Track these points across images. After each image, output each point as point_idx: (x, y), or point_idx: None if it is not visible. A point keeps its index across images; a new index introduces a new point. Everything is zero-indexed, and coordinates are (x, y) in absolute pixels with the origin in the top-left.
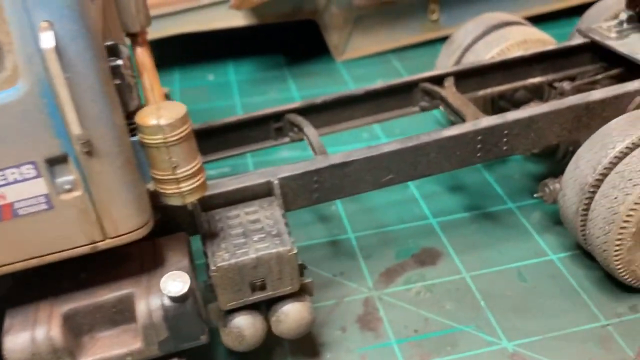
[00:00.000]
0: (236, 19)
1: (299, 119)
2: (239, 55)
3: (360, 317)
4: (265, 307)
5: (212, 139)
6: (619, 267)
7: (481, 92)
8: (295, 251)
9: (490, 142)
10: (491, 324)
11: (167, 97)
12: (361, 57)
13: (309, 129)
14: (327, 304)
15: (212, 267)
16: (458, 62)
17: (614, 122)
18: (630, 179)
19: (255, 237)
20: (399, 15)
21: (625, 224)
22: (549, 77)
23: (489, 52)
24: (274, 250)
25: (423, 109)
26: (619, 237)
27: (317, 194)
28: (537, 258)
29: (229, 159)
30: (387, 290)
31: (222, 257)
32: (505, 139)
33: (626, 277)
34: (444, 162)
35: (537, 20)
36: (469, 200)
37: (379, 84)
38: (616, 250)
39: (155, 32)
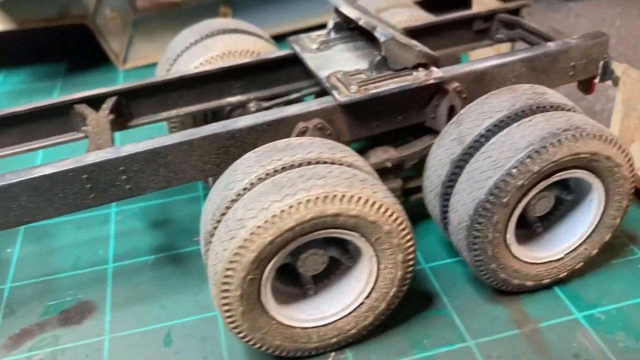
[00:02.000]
0: None
1: None
2: (17, 64)
3: None
4: None
5: None
6: (241, 335)
7: (165, 114)
8: None
9: (103, 181)
10: None
11: None
12: (148, 65)
13: None
14: None
15: None
16: None
17: (246, 156)
18: (231, 230)
19: None
20: (186, 18)
21: (226, 286)
22: (252, 95)
23: (191, 64)
24: None
25: (87, 136)
26: (225, 301)
27: None
28: (200, 314)
29: None
30: (4, 359)
31: None
32: (124, 177)
33: (256, 345)
34: (45, 206)
35: None
36: (166, 239)
37: (20, 106)
38: (228, 317)
39: None
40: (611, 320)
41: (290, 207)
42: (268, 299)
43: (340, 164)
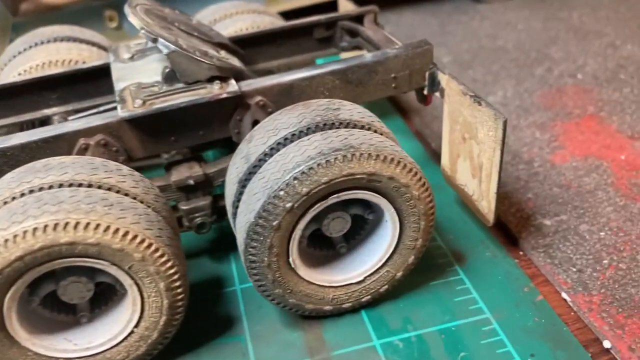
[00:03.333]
0: None
1: None
2: None
3: None
4: None
5: None
6: None
7: None
8: None
9: None
10: None
11: None
12: None
13: None
14: None
15: None
16: None
17: (4, 177)
18: None
19: None
20: (69, 22)
21: None
22: (71, 106)
23: (11, 74)
24: None
25: None
26: None
27: None
28: None
29: None
30: None
31: None
32: None
33: None
34: None
35: None
36: None
37: None
38: None
39: None
40: (408, 349)
41: (15, 236)
42: (17, 329)
43: (99, 187)
